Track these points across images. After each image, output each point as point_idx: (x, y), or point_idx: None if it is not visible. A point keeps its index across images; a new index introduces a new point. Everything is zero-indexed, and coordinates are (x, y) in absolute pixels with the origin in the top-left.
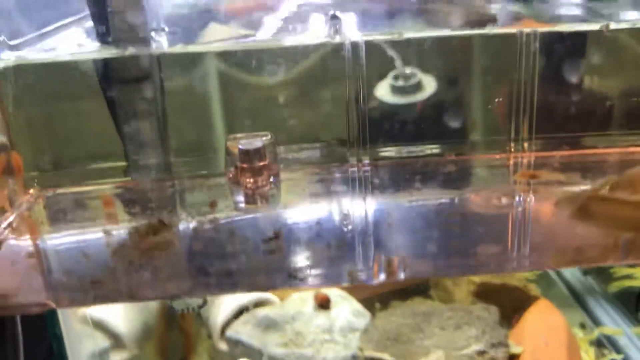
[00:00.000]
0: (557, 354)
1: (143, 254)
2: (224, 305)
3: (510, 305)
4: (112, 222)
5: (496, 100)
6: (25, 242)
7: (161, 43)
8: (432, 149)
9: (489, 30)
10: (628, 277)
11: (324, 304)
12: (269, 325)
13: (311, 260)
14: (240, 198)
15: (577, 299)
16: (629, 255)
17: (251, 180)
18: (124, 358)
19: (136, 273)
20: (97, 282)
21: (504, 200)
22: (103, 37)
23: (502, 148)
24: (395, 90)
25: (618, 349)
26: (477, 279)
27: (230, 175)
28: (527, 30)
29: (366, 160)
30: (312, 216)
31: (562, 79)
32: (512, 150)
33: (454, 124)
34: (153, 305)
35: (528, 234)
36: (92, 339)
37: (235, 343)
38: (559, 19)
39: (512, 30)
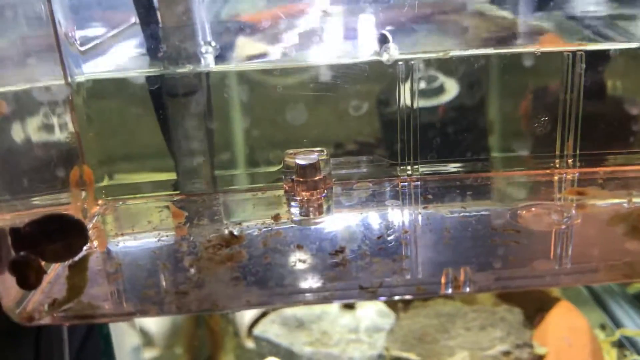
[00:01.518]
0: (580, 355)
1: (218, 265)
2: None
3: (532, 307)
4: (181, 233)
5: (542, 118)
6: (104, 254)
7: (209, 59)
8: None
9: (535, 49)
10: None
11: (349, 304)
12: (296, 324)
13: (379, 273)
14: (297, 210)
15: (596, 300)
16: None
17: (307, 193)
18: (154, 356)
19: (216, 284)
20: (181, 292)
21: (555, 217)
22: (154, 53)
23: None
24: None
25: (639, 350)
26: None
27: (287, 188)
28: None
29: (416, 175)
30: (372, 229)
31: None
32: (557, 166)
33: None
34: None
35: (578, 250)
36: (133, 336)
37: (262, 341)
38: (580, 32)
39: (557, 49)
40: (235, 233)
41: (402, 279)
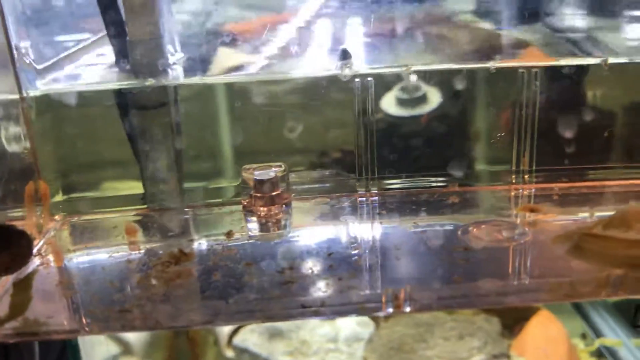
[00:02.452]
0: None
1: (166, 283)
2: None
3: (512, 315)
4: (134, 249)
5: (498, 135)
6: (54, 270)
7: (178, 72)
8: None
9: (492, 64)
10: None
11: None
12: (275, 333)
13: (325, 291)
14: (255, 226)
15: (578, 309)
16: (619, 290)
17: (265, 208)
18: None
19: (160, 302)
20: (124, 310)
21: (505, 234)
22: (122, 66)
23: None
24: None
25: None
26: None
27: (245, 204)
28: (528, 64)
29: (374, 190)
30: (323, 245)
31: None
32: (514, 181)
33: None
34: None
35: (525, 268)
36: (105, 345)
37: (241, 351)
38: (561, 45)
39: (514, 64)
40: (185, 250)
41: (345, 297)
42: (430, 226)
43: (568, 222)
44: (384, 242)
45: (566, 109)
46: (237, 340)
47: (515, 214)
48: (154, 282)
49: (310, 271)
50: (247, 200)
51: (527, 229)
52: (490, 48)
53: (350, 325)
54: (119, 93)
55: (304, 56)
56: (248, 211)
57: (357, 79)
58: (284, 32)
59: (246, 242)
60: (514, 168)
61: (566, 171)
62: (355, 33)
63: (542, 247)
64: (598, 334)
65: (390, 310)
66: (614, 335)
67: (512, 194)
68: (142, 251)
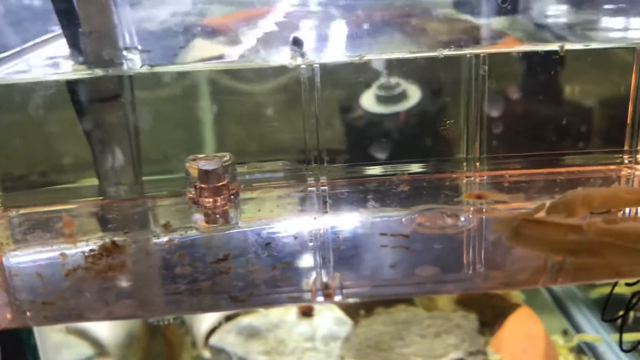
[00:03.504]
0: None
1: (96, 276)
2: (208, 314)
3: (492, 313)
4: (70, 242)
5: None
6: None
7: (134, 63)
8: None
9: (439, 53)
10: (610, 283)
11: (306, 312)
12: (252, 333)
13: (257, 281)
14: (199, 217)
15: (559, 306)
16: (558, 278)
17: (210, 200)
18: None
19: (87, 294)
20: (48, 303)
21: (449, 221)
22: (76, 57)
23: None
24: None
25: (598, 356)
26: None
27: (190, 195)
28: (475, 52)
29: (323, 179)
30: (264, 235)
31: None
32: (465, 169)
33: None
34: None
35: (466, 256)
36: (73, 348)
37: (218, 351)
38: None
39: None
40: (119, 242)
41: (276, 287)
42: (376, 215)
43: (515, 209)
44: (327, 231)
45: (518, 96)
46: (214, 340)
47: (462, 201)
48: (83, 274)
49: (245, 262)
50: (192, 192)
51: (471, 216)
52: (466, 39)
53: (328, 324)
54: (72, 84)
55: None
56: (194, 203)
57: (303, 66)
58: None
59: (184, 233)
60: (464, 155)
61: (517, 158)
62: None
63: (485, 234)
64: (579, 330)
65: (321, 299)
66: (594, 331)
67: (464, 181)
68: (78, 244)
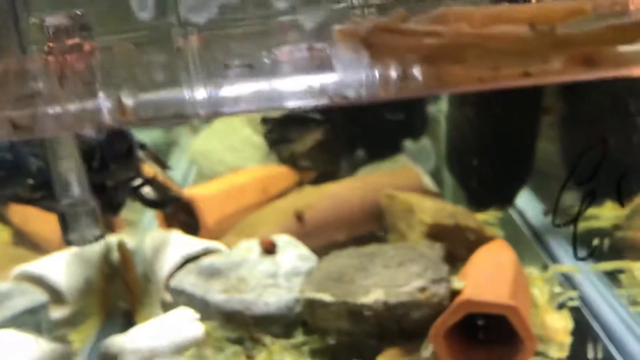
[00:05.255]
0: (500, 289)
1: None
2: (169, 257)
3: (465, 246)
4: None
5: None
6: None
7: None
8: None
9: None
10: (594, 217)
11: (269, 249)
12: (213, 273)
13: None
14: None
15: (539, 240)
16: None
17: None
18: (65, 313)
19: None
20: None
21: None
22: None
23: None
24: None
25: (574, 287)
26: (429, 220)
27: None
28: None
29: None
30: None
31: None
32: None
33: None
34: (94, 260)
35: None
36: (26, 295)
37: (178, 293)
38: None
39: None
40: None
41: None
42: None
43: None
44: None
45: None
46: (174, 282)
47: None
48: None
49: None
50: None
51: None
52: None
53: (291, 260)
54: None
55: None
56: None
57: None
58: None
59: None
60: None
61: None
62: None
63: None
64: (559, 264)
65: None
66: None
67: None
68: None
